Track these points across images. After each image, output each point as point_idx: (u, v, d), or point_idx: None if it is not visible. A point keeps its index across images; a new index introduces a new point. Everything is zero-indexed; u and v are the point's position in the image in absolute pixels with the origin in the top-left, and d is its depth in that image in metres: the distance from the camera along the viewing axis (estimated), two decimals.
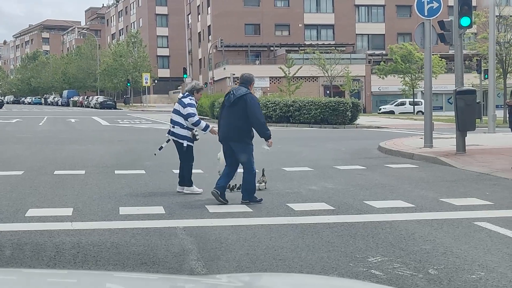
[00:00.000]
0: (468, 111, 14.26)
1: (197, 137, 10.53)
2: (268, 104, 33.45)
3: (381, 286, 3.33)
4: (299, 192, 10.25)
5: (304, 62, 58.91)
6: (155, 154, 11.42)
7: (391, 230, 7.24)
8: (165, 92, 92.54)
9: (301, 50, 65.09)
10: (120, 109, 71.75)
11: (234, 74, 60.58)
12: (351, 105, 32.51)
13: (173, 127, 10.46)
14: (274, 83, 63.58)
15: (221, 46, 68.96)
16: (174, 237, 6.93)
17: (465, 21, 14.56)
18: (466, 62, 72.95)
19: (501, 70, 38.50)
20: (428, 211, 8.48)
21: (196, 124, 10.37)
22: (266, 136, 9.37)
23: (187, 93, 10.47)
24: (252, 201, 9.08)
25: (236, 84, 63.64)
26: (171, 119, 10.56)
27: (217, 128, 9.99)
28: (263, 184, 10.59)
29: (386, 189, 10.47)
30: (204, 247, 6.51)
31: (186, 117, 10.25)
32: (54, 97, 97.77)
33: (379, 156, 16.27)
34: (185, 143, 10.42)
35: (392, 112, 60.44)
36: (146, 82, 69.05)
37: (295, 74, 51.99)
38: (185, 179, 10.30)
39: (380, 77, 60.31)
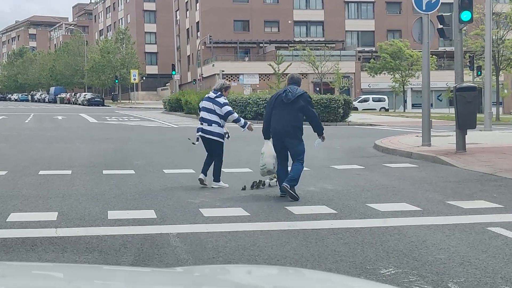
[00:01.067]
0: (468, 108, 13.80)
1: (226, 136, 11.00)
2: (259, 101, 32.93)
3: (342, 276, 3.15)
4: (297, 193, 9.73)
5: (293, 59, 58.43)
6: (193, 143, 11.50)
7: (400, 237, 6.74)
8: (153, 89, 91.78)
9: (291, 47, 64.60)
10: (108, 106, 70.97)
11: (223, 71, 60.01)
12: (343, 102, 32.08)
13: (209, 125, 10.84)
14: (264, 80, 63.14)
15: (210, 43, 68.39)
16: (167, 246, 6.39)
17: (465, 15, 14.11)
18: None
19: (493, 67, 38.12)
20: (436, 215, 8.00)
21: (237, 120, 10.95)
22: (322, 131, 9.92)
23: (218, 92, 10.83)
24: (292, 191, 9.11)
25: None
26: (202, 118, 10.93)
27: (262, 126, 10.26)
28: (274, 180, 10.39)
29: (388, 191, 9.98)
30: (200, 256, 6.00)
31: (225, 115, 10.74)
32: (41, 94, 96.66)
33: (376, 154, 15.80)
34: (220, 140, 10.93)
35: (355, 109, 60.16)
36: (134, 79, 68.31)
37: (284, 71, 51.49)
38: (214, 174, 10.63)
39: (370, 75, 59.96)
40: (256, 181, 10.48)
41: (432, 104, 69.22)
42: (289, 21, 74.89)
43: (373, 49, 72.82)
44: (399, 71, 57.82)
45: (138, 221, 7.60)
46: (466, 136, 14.34)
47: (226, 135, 10.98)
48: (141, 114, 45.07)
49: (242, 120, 11.10)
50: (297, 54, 59.77)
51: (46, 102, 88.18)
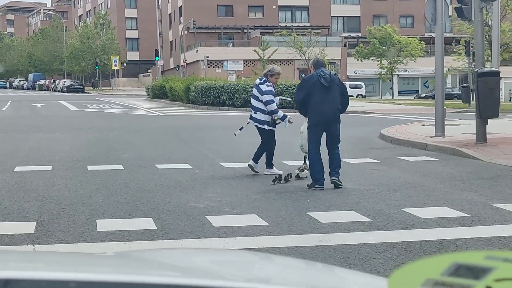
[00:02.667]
0: (491, 95, 12.55)
1: (277, 121, 10.33)
2: (247, 88, 31.49)
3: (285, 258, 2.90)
4: (315, 194, 8.43)
5: (279, 45, 57.07)
6: (235, 134, 11.31)
7: None
8: (134, 75, 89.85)
9: (276, 32, 63.09)
10: (88, 93, 69.11)
11: (208, 57, 58.53)
12: None
13: (255, 112, 10.41)
14: (249, 66, 61.64)
15: (193, 28, 66.60)
16: None
17: None
18: (446, 45, 72.02)
19: (489, 52, 36.98)
20: (490, 223, 6.72)
21: (273, 112, 10.24)
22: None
23: (263, 78, 10.27)
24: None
25: (209, 67, 61.70)
26: (251, 104, 10.56)
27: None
28: (305, 172, 9.62)
29: (418, 190, 8.69)
30: None
31: (265, 104, 10.18)
32: (20, 81, 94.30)
33: (385, 146, 14.51)
34: (266, 127, 10.36)
35: None
36: (115, 65, 66.50)
37: (270, 57, 50.21)
38: (266, 161, 10.25)
39: (358, 59, 58.68)
40: (286, 175, 9.54)
41: (418, 90, 68.58)
42: (274, 6, 73.31)
43: (359, 35, 71.64)
44: (387, 57, 56.62)
45: (135, 234, 6.24)
46: (471, 125, 13.08)
47: (276, 121, 10.32)
48: (124, 101, 43.44)
49: (281, 113, 10.30)
50: (283, 40, 58.34)
51: (25, 89, 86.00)
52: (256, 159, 10.36)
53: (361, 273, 2.01)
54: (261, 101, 10.21)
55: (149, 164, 11.36)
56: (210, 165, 11.32)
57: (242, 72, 62.12)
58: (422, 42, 58.54)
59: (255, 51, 52.18)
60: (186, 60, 61.24)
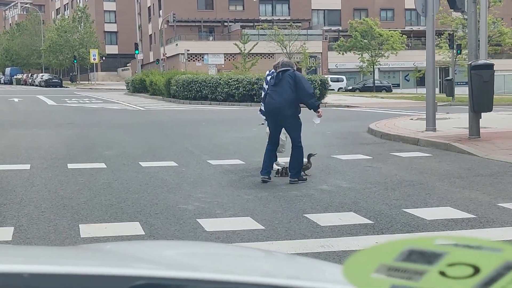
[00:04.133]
0: (485, 88, 12.20)
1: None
2: (230, 82, 31.02)
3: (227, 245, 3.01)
4: (310, 194, 8.00)
5: (259, 38, 56.62)
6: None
7: None
8: (113, 69, 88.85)
9: (257, 26, 62.57)
10: (66, 87, 68.07)
11: (188, 50, 57.89)
12: (319, 83, 30.39)
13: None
14: (229, 60, 61.09)
15: (173, 21, 65.83)
16: None
17: None
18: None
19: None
20: (500, 225, 6.34)
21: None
22: None
23: (272, 70, 9.65)
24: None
25: (189, 60, 61.05)
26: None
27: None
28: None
29: (417, 189, 8.30)
30: None
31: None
32: None
33: (376, 141, 14.13)
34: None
35: None
36: (94, 59, 65.57)
37: (250, 50, 49.77)
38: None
39: (339, 53, 58.37)
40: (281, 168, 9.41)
41: (399, 84, 68.53)
42: None
43: (340, 28, 71.38)
44: (369, 50, 56.39)
45: (122, 240, 5.76)
46: (459, 118, 12.75)
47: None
48: (103, 96, 42.68)
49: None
50: (264, 33, 57.86)
51: (2, 84, 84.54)
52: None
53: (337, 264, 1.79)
54: None
55: (133, 161, 10.86)
56: (197, 162, 10.85)
57: (223, 65, 61.58)
58: (403, 35, 58.40)
59: (235, 44, 51.69)
60: (166, 54, 60.51)
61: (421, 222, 6.46)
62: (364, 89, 55.57)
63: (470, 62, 12.39)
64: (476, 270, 0.73)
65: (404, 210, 7.00)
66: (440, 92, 58.62)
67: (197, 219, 6.56)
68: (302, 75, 9.14)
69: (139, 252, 1.80)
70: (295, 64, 10.20)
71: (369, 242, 5.70)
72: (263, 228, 6.24)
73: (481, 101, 12.27)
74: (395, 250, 0.77)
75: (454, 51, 37.53)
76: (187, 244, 2.89)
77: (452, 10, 13.76)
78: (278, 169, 9.36)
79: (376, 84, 57.87)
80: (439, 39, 51.90)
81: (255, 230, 6.17)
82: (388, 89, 57.04)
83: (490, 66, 12.33)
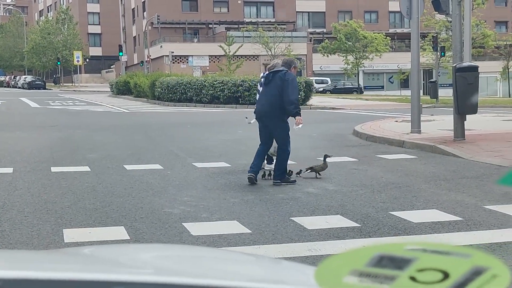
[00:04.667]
0: (469, 90, 12.23)
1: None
2: (215, 84, 30.94)
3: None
4: (296, 197, 7.96)
5: (244, 40, 56.60)
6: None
7: None
8: (97, 71, 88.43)
9: (242, 28, 62.53)
10: (50, 89, 67.62)
11: (172, 52, 57.70)
12: (304, 85, 30.39)
13: None
14: (214, 62, 61.00)
15: (157, 23, 65.65)
16: None
17: None
18: (410, 40, 72.37)
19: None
20: (487, 227, 6.33)
21: None
22: None
23: (267, 72, 9.62)
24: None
25: (174, 62, 60.86)
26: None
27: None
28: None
29: (403, 191, 8.28)
30: None
31: None
32: None
33: (361, 143, 14.12)
34: None
35: None
36: (78, 61, 65.13)
37: (235, 52, 49.74)
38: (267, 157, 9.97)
39: (324, 55, 58.51)
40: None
41: (383, 86, 68.77)
42: (239, 1, 72.74)
43: (324, 30, 71.57)
44: (353, 52, 56.57)
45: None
46: (444, 121, 12.78)
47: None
48: (87, 98, 42.43)
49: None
50: (249, 35, 57.85)
51: None
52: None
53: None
54: None
55: (117, 164, 10.76)
56: (182, 165, 10.77)
57: (208, 67, 61.48)
58: (387, 37, 58.67)
59: (220, 46, 51.67)
60: (150, 56, 60.27)
61: (408, 225, 6.43)
62: (335, 91, 55.62)
63: (454, 64, 12.42)
64: (446, 275, 0.74)
65: (391, 213, 6.97)
66: (423, 94, 58.83)
67: (183, 223, 6.49)
68: (293, 77, 8.86)
69: (119, 256, 1.78)
70: (297, 61, 9.91)
71: (356, 245, 5.65)
72: (250, 232, 6.18)
73: (466, 103, 12.29)
74: (366, 256, 0.77)
75: (438, 53, 37.70)
76: (169, 247, 2.87)
77: (437, 12, 13.75)
78: (264, 171, 9.33)
79: (346, 86, 58.08)
80: (423, 41, 52.17)
81: (242, 234, 6.12)
82: (359, 91, 56.94)
83: (475, 68, 12.36)
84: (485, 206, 7.24)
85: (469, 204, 7.42)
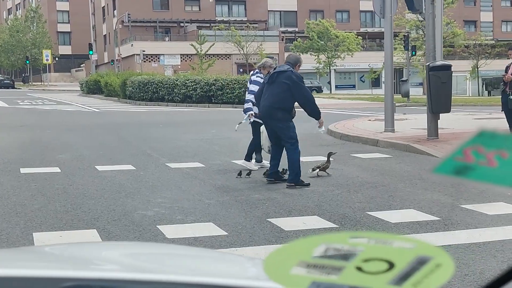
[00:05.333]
0: (443, 89, 12.25)
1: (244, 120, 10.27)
2: (187, 83, 30.72)
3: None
4: (272, 197, 7.85)
5: (216, 39, 56.38)
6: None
7: None
8: (67, 70, 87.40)
9: (214, 26, 62.27)
10: (18, 88, 66.56)
11: (144, 51, 57.26)
12: None
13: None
14: (186, 60, 60.72)
15: (128, 22, 65.10)
16: None
17: None
18: (381, 40, 72.62)
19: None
20: (464, 227, 6.29)
21: (246, 102, 10.29)
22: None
23: (256, 70, 10.20)
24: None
25: (145, 61, 60.40)
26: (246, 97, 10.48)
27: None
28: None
29: (380, 191, 8.24)
30: None
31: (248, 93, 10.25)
32: None
33: (335, 142, 14.08)
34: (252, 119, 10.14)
35: None
36: (47, 60, 64.31)
37: (207, 51, 49.54)
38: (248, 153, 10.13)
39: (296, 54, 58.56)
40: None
41: (354, 85, 69.11)
42: (211, 0, 72.46)
43: (296, 29, 71.65)
44: (325, 51, 56.71)
45: None
46: (415, 119, 12.81)
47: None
48: (56, 97, 41.85)
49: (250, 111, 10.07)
50: (221, 34, 57.63)
51: None
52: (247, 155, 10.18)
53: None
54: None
55: (89, 165, 10.55)
56: (155, 165, 10.60)
57: (179, 66, 61.12)
58: (358, 37, 58.93)
59: (192, 45, 51.43)
60: (121, 54, 59.75)
61: (386, 225, 6.37)
62: None
63: (428, 63, 12.43)
64: (391, 265, 0.75)
65: (368, 213, 6.91)
66: (395, 93, 59.38)
67: (157, 226, 6.34)
68: (301, 77, 8.62)
69: (80, 253, 1.77)
70: (299, 56, 9.58)
71: None
72: (226, 234, 6.06)
73: (439, 102, 12.31)
74: (311, 247, 0.77)
75: (409, 52, 37.93)
76: (134, 245, 2.85)
77: (410, 11, 13.76)
78: (240, 171, 9.24)
79: (306, 85, 57.91)
80: (393, 40, 52.47)
81: (218, 236, 5.99)
82: (318, 90, 56.55)
83: (448, 67, 12.39)
84: (462, 206, 7.21)
85: (446, 203, 7.40)
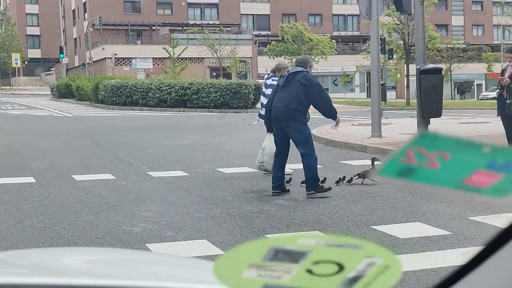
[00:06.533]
0: (434, 93, 11.86)
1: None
2: (162, 87, 30.06)
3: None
4: (266, 210, 7.32)
5: (189, 42, 55.77)
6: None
7: None
8: (36, 74, 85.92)
9: (188, 30, 61.57)
10: None
11: (116, 54, 56.41)
12: (254, 88, 29.86)
13: (261, 109, 9.98)
14: (158, 64, 59.96)
15: (99, 25, 64.15)
16: None
17: None
18: (354, 44, 72.73)
19: (403, 50, 37.20)
20: (479, 242, 5.82)
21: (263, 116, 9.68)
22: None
23: (271, 73, 9.90)
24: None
25: (117, 65, 59.45)
26: (260, 102, 10.15)
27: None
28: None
29: (380, 202, 7.76)
30: None
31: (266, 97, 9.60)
32: None
33: (322, 148, 13.57)
34: None
35: None
36: (16, 63, 62.98)
37: (180, 55, 48.93)
38: None
39: (270, 57, 58.12)
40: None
41: (328, 89, 69.01)
42: (183, 3, 71.78)
43: (269, 33, 71.34)
44: (299, 55, 56.38)
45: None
46: (396, 124, 12.42)
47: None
48: (27, 102, 40.81)
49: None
50: (194, 37, 57.00)
51: None
52: None
53: None
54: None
55: (65, 174, 9.91)
56: (136, 174, 10.00)
57: (152, 70, 60.38)
58: (332, 40, 58.77)
59: (164, 48, 50.81)
60: (92, 58, 58.76)
61: (395, 241, 5.88)
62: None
63: (418, 66, 12.03)
64: (341, 267, 0.75)
65: (373, 227, 6.42)
66: (367, 97, 59.40)
67: (146, 244, 5.77)
68: (315, 78, 8.25)
69: (41, 260, 1.73)
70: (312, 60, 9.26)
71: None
72: (223, 252, 5.49)
73: (430, 106, 11.91)
74: (261, 250, 0.75)
75: (386, 55, 37.77)
76: (96, 251, 2.81)
77: (385, 14, 13.36)
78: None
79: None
80: (367, 43, 52.44)
81: (214, 256, 5.43)
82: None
83: (439, 70, 12.02)
84: (470, 218, 6.76)
85: (453, 215, 6.94)
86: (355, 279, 0.74)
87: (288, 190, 8.28)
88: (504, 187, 0.72)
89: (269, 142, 8.95)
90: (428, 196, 8.06)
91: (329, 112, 8.32)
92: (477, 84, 71.29)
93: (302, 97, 8.01)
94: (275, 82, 9.34)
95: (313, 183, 8.00)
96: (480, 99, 58.86)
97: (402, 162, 0.69)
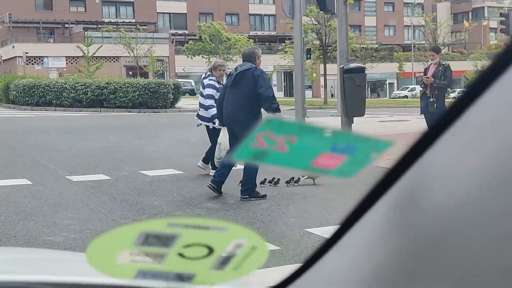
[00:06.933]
0: (357, 92, 11.87)
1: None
2: (77, 87, 29.12)
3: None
4: (195, 214, 7.02)
5: (104, 41, 54.56)
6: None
7: None
8: None
9: (102, 28, 60.17)
10: None
11: (27, 53, 54.47)
12: (173, 87, 29.41)
13: (199, 109, 9.69)
14: (72, 63, 58.35)
15: (9, 22, 61.87)
16: None
17: None
18: (271, 43, 73.15)
19: (320, 50, 37.62)
20: None
21: (208, 108, 9.38)
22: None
23: (208, 73, 9.65)
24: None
25: (28, 64, 57.42)
26: (199, 102, 9.77)
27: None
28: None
29: (312, 203, 7.60)
30: None
31: (205, 104, 9.47)
32: None
33: None
34: (211, 125, 9.50)
35: None
36: None
37: (94, 53, 47.81)
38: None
39: (188, 56, 57.61)
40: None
41: None
42: (97, 1, 70.19)
43: (186, 32, 70.82)
44: (217, 54, 56.16)
45: None
46: (352, 124, 12.45)
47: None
48: None
49: (213, 111, 9.08)
50: (109, 36, 55.78)
51: None
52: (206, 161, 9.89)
53: None
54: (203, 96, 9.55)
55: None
56: (54, 179, 9.47)
57: (65, 69, 58.68)
58: (250, 39, 58.88)
59: (78, 47, 49.55)
60: (1, 57, 56.57)
61: None
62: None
63: (342, 66, 12.02)
64: (210, 250, 0.76)
65: (307, 230, 6.24)
66: (284, 96, 59.88)
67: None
68: (262, 71, 7.76)
69: None
70: (258, 49, 8.59)
71: (282, 272, 4.84)
72: None
73: (354, 105, 11.92)
74: (131, 235, 0.74)
75: (304, 55, 38.09)
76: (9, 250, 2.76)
77: (323, 12, 13.37)
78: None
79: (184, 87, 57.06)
80: (284, 43, 52.85)
81: None
82: (191, 92, 55.14)
83: (362, 69, 12.05)
84: None
85: None
86: (225, 261, 0.77)
87: (221, 193, 7.99)
88: (349, 169, 0.76)
89: (224, 137, 8.50)
90: (357, 195, 7.96)
91: (273, 105, 7.67)
92: (389, 83, 73.31)
93: (253, 98, 7.57)
94: (212, 82, 9.30)
95: (249, 188, 7.75)
96: (392, 98, 60.47)
97: (253, 146, 0.71)
